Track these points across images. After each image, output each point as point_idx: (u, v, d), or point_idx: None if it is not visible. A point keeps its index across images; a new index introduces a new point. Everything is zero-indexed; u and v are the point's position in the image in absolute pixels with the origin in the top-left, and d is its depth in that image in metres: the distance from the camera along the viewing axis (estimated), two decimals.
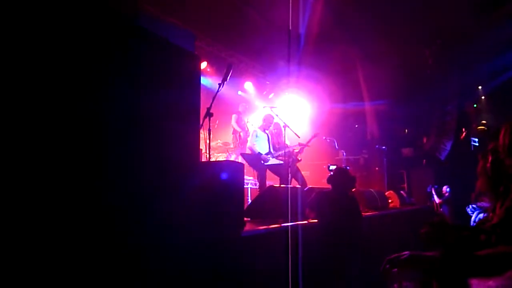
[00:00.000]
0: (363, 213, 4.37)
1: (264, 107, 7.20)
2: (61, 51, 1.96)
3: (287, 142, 6.51)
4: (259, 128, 6.48)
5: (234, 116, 8.39)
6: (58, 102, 1.92)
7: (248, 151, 6.30)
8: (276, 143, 6.41)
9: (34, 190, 1.78)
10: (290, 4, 6.78)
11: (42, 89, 1.86)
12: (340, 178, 3.96)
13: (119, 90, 2.27)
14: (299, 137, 6.50)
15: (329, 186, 4.08)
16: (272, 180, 6.54)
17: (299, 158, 6.43)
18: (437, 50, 10.91)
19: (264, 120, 6.52)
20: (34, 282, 1.70)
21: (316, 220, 3.91)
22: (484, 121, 12.88)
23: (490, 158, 1.72)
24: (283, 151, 6.16)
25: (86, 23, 2.12)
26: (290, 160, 6.14)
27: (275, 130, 6.49)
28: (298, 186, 5.73)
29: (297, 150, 6.42)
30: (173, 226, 2.41)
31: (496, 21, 9.40)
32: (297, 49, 8.67)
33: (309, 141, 6.49)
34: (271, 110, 6.58)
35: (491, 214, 1.70)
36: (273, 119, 6.49)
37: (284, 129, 6.31)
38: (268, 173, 6.22)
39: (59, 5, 2.00)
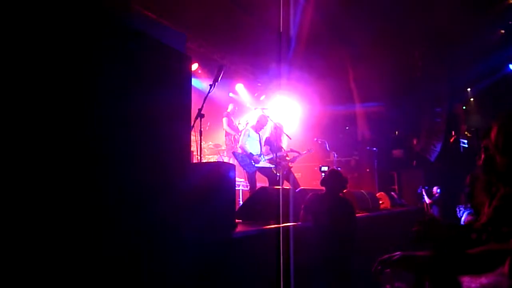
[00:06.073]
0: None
1: (255, 109, 7.18)
2: (52, 50, 1.93)
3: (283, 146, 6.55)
4: (252, 128, 6.43)
5: (225, 120, 8.18)
6: (46, 101, 1.89)
7: (239, 150, 6.26)
8: (270, 142, 6.36)
9: (21, 192, 1.75)
10: (281, 6, 6.81)
11: (32, 88, 1.83)
12: (333, 179, 3.95)
13: (109, 90, 2.24)
14: (290, 139, 6.52)
15: (322, 187, 4.07)
16: (261, 183, 6.53)
17: (290, 165, 6.48)
18: (427, 52, 11.04)
19: (258, 121, 6.47)
20: (30, 282, 1.67)
21: (309, 223, 3.90)
22: (471, 128, 13.07)
23: (482, 156, 1.72)
24: (274, 154, 6.14)
25: (77, 22, 2.09)
26: (282, 163, 6.14)
27: (275, 131, 6.45)
28: (289, 187, 5.73)
29: (288, 158, 6.46)
30: (164, 228, 2.39)
31: (484, 23, 9.54)
32: (288, 51, 8.69)
33: (301, 154, 6.59)
34: (262, 112, 6.56)
35: (481, 213, 1.71)
36: (267, 122, 6.45)
37: (277, 131, 6.31)
38: (257, 176, 6.20)
39: (51, 3, 1.97)
